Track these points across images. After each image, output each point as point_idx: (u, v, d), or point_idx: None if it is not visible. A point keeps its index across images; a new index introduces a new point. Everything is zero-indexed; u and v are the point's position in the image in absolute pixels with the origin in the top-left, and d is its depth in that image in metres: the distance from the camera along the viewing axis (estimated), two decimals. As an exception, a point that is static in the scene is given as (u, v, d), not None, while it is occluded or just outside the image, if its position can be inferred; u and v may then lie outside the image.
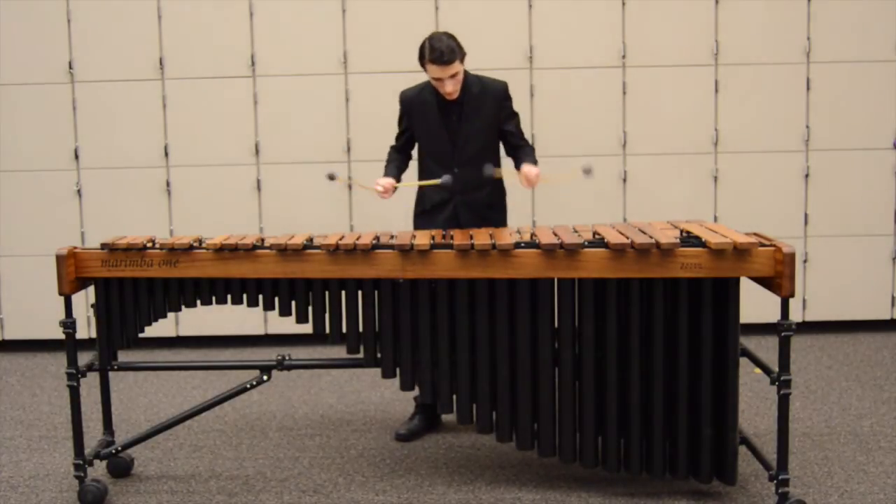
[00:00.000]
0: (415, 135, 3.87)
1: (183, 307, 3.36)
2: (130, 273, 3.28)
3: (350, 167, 5.31)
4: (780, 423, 3.14)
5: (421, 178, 3.86)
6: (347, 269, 3.22)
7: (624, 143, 5.30)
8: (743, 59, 5.24)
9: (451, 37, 3.66)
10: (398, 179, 3.84)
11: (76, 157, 5.30)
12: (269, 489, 3.49)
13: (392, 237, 3.34)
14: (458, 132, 3.76)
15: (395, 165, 3.90)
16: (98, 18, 5.23)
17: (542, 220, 5.28)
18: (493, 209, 3.83)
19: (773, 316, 3.20)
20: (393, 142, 3.96)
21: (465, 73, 3.76)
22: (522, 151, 3.84)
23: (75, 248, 3.30)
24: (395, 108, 5.37)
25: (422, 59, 3.66)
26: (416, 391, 3.89)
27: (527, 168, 3.72)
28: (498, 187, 3.88)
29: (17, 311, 5.41)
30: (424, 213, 3.86)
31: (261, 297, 3.33)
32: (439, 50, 3.58)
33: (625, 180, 5.30)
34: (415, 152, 3.96)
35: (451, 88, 3.66)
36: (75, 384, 3.34)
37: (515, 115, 3.86)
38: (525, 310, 3.24)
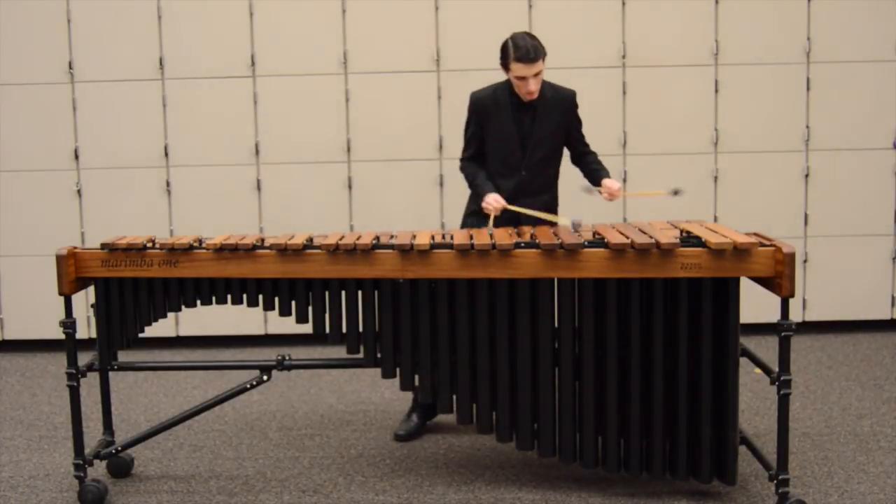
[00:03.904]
0: (484, 142, 3.82)
1: (183, 307, 3.36)
2: (130, 273, 3.28)
3: (350, 167, 5.31)
4: (780, 423, 3.14)
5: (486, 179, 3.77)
6: (347, 269, 3.22)
7: (624, 143, 5.30)
8: (743, 59, 5.24)
9: (533, 36, 3.67)
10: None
11: (76, 157, 5.30)
12: (269, 489, 3.49)
13: (392, 237, 3.34)
14: (531, 135, 3.76)
15: (486, 175, 3.78)
16: (98, 18, 5.23)
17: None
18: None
19: (773, 316, 3.20)
20: (461, 153, 3.87)
21: None
22: (590, 159, 3.89)
23: (75, 248, 3.29)
24: (395, 109, 5.39)
25: (505, 59, 3.65)
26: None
27: (609, 182, 3.76)
28: (553, 194, 3.89)
29: (17, 311, 5.40)
30: (476, 213, 3.83)
31: (261, 297, 3.33)
32: (525, 48, 3.58)
33: (625, 180, 5.30)
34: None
35: (534, 87, 3.65)
36: (75, 384, 3.34)
37: (580, 122, 3.88)
38: (525, 310, 3.24)
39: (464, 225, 3.89)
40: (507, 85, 3.74)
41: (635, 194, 3.73)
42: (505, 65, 3.66)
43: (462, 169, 3.88)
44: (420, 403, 3.97)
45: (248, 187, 5.34)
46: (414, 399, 4.00)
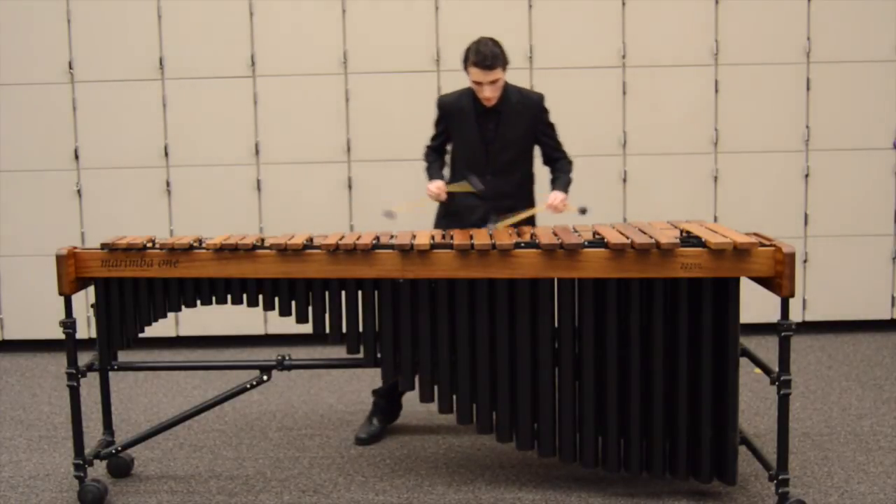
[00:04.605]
0: (451, 139, 3.89)
1: (183, 307, 3.36)
2: (130, 273, 3.28)
3: (350, 167, 5.31)
4: (780, 423, 3.14)
5: (452, 181, 3.85)
6: (347, 269, 3.22)
7: (624, 143, 5.30)
8: (743, 59, 5.24)
9: (497, 43, 3.69)
10: (444, 180, 3.85)
11: (76, 157, 5.30)
12: (269, 489, 3.49)
13: (392, 237, 3.34)
14: (494, 141, 3.78)
15: (439, 166, 3.92)
16: (98, 18, 5.23)
17: (542, 220, 5.27)
18: None
19: (773, 316, 3.20)
20: (429, 142, 3.97)
21: (506, 83, 3.77)
22: (557, 165, 3.88)
23: (75, 248, 3.29)
24: (395, 109, 5.40)
25: (465, 62, 3.70)
26: (380, 384, 3.92)
27: (552, 196, 3.76)
28: (527, 197, 3.90)
29: (17, 311, 5.40)
30: (449, 216, 3.85)
31: (261, 297, 3.33)
32: (483, 54, 3.62)
33: (625, 180, 5.30)
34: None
35: (489, 94, 3.68)
36: (75, 384, 3.34)
37: (552, 127, 3.88)
38: (525, 310, 3.24)
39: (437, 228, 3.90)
40: (473, 90, 3.76)
41: (536, 210, 3.78)
42: (465, 68, 3.71)
43: (425, 156, 3.96)
44: (380, 410, 3.98)
45: (248, 187, 5.34)
46: (374, 402, 4.01)
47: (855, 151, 5.30)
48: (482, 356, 3.28)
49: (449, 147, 3.94)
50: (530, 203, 3.90)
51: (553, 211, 3.76)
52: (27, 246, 5.33)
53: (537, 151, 3.92)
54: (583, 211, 3.72)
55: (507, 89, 3.77)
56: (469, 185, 3.74)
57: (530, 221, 3.82)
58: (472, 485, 3.49)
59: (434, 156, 3.95)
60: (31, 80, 5.26)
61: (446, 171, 3.93)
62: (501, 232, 3.46)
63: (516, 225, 3.68)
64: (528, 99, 3.83)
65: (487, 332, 3.27)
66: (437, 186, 3.79)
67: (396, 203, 3.87)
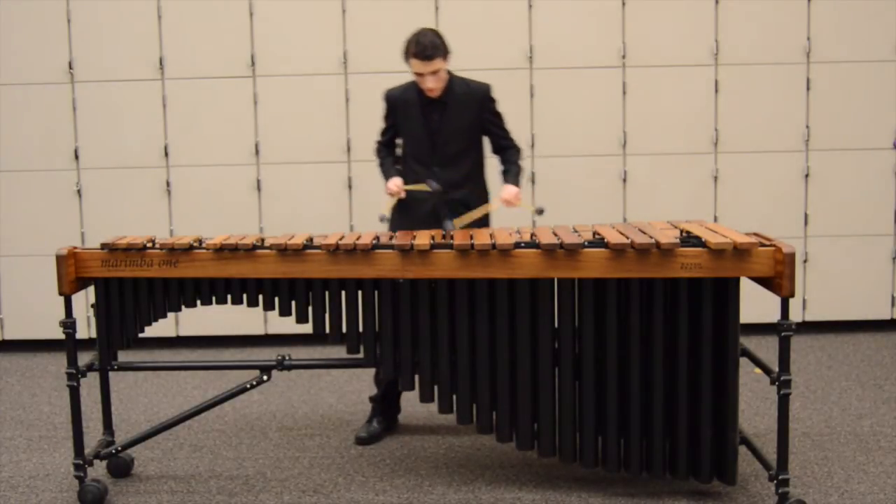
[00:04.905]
0: (398, 132, 3.91)
1: (183, 307, 3.36)
2: (130, 273, 3.28)
3: (350, 167, 5.31)
4: (780, 423, 3.14)
5: (402, 175, 3.86)
6: (347, 269, 3.22)
7: (624, 143, 5.30)
8: (743, 59, 5.24)
9: (437, 34, 3.70)
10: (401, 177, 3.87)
11: (76, 157, 5.30)
12: (269, 489, 3.49)
13: (392, 237, 3.34)
14: (440, 132, 3.79)
15: (392, 161, 3.94)
16: (98, 18, 5.23)
17: (542, 220, 5.28)
18: (472, 209, 3.83)
19: (773, 316, 3.20)
20: (379, 137, 3.99)
21: (451, 74, 3.79)
22: (507, 155, 3.89)
23: (75, 248, 3.30)
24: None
25: (406, 54, 3.72)
26: (374, 391, 3.99)
27: (504, 190, 3.78)
28: (479, 186, 3.91)
29: (17, 311, 5.41)
30: (402, 210, 3.85)
31: (261, 297, 3.33)
32: (422, 45, 3.64)
33: (625, 180, 5.30)
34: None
35: (431, 84, 3.69)
36: (75, 384, 3.34)
37: (499, 116, 3.89)
38: (525, 310, 3.24)
39: (392, 220, 3.89)
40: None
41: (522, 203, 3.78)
42: (406, 59, 3.72)
43: (376, 152, 3.99)
44: (381, 412, 3.99)
45: (248, 187, 5.34)
46: (373, 407, 4.01)
47: (855, 151, 5.30)
48: (482, 356, 3.28)
49: (399, 141, 3.95)
50: (482, 193, 3.91)
51: (507, 205, 3.77)
52: (27, 246, 5.33)
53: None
54: (539, 211, 3.74)
55: (452, 80, 3.78)
56: (425, 185, 3.74)
57: (486, 218, 3.82)
58: (472, 485, 3.49)
59: (385, 151, 3.96)
60: (31, 80, 5.26)
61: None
62: (501, 232, 3.46)
63: (473, 224, 3.69)
64: (474, 89, 3.83)
65: (487, 332, 3.27)
66: (396, 184, 3.80)
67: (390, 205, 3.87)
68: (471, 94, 3.81)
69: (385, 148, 3.98)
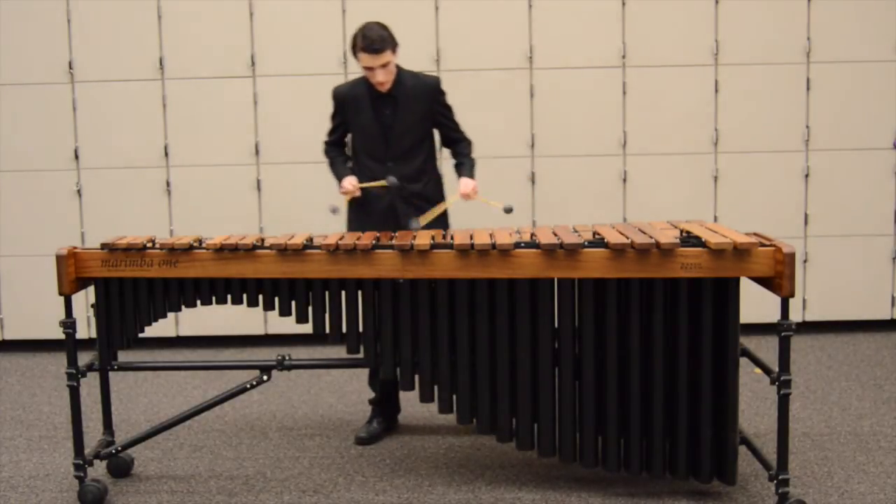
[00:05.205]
0: (349, 130, 3.90)
1: (183, 307, 3.36)
2: (130, 273, 3.28)
3: (350, 167, 5.30)
4: (780, 423, 3.14)
5: (354, 172, 3.86)
6: (347, 269, 3.22)
7: (624, 143, 5.30)
8: (743, 59, 5.24)
9: (384, 27, 3.71)
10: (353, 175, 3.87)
11: (76, 157, 5.30)
12: (269, 489, 3.49)
13: (392, 237, 3.34)
14: (392, 126, 3.79)
15: (343, 160, 3.94)
16: (98, 18, 5.23)
17: (542, 220, 5.28)
18: (430, 202, 3.84)
19: (773, 316, 3.20)
20: (326, 137, 3.97)
21: (400, 68, 3.79)
22: (459, 148, 3.91)
23: (75, 248, 3.30)
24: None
25: (354, 48, 3.71)
26: (373, 393, 3.99)
27: (462, 184, 3.79)
28: (434, 180, 3.92)
29: (17, 311, 5.41)
30: (359, 204, 3.85)
31: (261, 297, 3.33)
32: (370, 38, 3.63)
33: (625, 180, 5.30)
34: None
35: (381, 78, 3.69)
36: (75, 384, 3.34)
37: (450, 109, 3.90)
38: (525, 310, 3.24)
39: (349, 217, 3.91)
40: (367, 78, 3.77)
41: (482, 200, 3.78)
42: (354, 54, 3.71)
43: (325, 153, 3.97)
44: (381, 412, 4.00)
45: (248, 187, 5.34)
46: (372, 409, 4.02)
47: (855, 151, 5.30)
48: (482, 356, 3.28)
49: (348, 139, 3.94)
50: (437, 185, 3.92)
51: (465, 199, 3.78)
52: (27, 246, 5.33)
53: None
54: (508, 210, 3.74)
55: (402, 74, 3.78)
56: (384, 181, 3.73)
57: (445, 213, 3.84)
58: (472, 485, 3.49)
59: (335, 151, 3.95)
60: (31, 80, 5.26)
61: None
62: (501, 232, 3.46)
63: (435, 220, 3.71)
64: (424, 82, 3.83)
65: (487, 332, 3.27)
66: (351, 183, 3.78)
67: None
68: (421, 87, 3.81)
69: (334, 147, 3.96)
